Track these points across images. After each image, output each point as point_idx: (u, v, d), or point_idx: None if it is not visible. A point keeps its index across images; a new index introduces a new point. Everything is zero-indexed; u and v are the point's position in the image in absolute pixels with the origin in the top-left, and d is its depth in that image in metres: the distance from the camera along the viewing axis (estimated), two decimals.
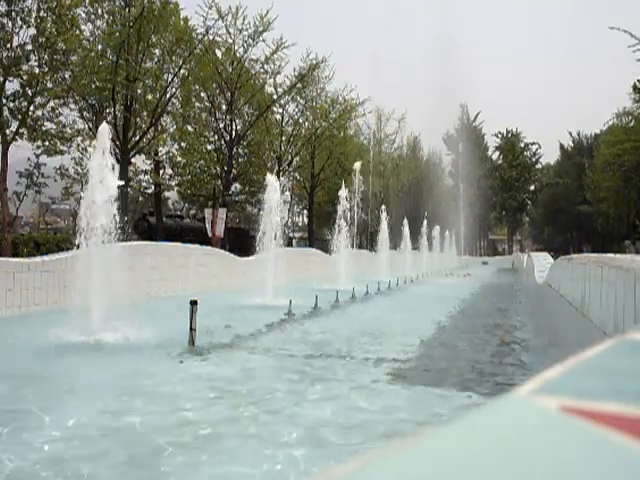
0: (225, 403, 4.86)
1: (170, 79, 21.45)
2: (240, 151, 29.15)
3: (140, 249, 13.38)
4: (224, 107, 26.92)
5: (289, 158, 30.84)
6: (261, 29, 25.69)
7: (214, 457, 3.65)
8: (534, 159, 67.33)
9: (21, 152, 19.95)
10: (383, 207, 28.56)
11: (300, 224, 42.66)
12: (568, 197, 54.04)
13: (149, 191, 28.91)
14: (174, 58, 21.62)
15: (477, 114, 68.99)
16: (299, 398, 5.01)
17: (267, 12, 25.46)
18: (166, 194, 34.04)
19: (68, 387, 5.28)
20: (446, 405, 4.96)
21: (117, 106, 19.67)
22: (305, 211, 36.89)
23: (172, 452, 3.66)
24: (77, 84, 18.92)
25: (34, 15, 16.75)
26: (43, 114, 18.60)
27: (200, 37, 22.58)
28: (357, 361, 6.81)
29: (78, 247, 8.27)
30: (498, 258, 59.37)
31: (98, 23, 20.61)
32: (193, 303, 7.49)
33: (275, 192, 13.89)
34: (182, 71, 21.76)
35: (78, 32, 18.68)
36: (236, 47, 26.07)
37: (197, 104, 26.63)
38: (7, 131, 16.65)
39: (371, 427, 4.25)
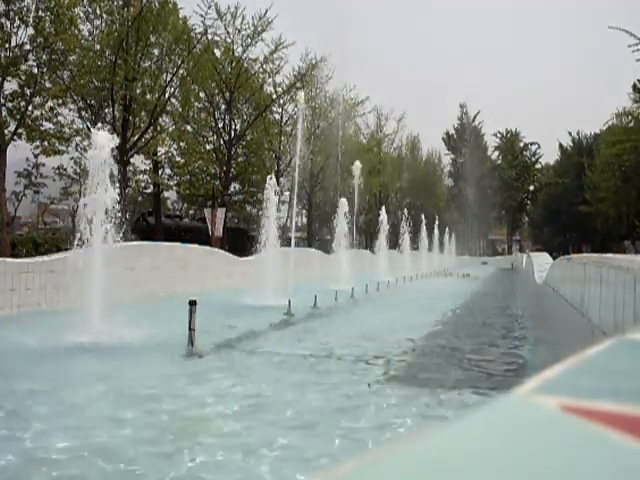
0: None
1: (169, 79, 21.42)
2: (239, 151, 29.11)
3: (140, 249, 13.37)
4: (223, 107, 26.89)
5: (288, 158, 30.83)
6: (260, 29, 25.69)
7: None
8: (534, 159, 67.36)
9: (20, 152, 19.92)
10: (382, 207, 28.56)
11: (300, 224, 42.65)
12: (568, 197, 53.96)
13: (148, 191, 28.86)
14: (173, 58, 21.58)
15: (476, 114, 69.06)
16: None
17: (266, 12, 25.49)
18: (165, 194, 33.98)
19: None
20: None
21: (116, 106, 19.65)
22: (304, 211, 36.80)
23: None
24: (75, 84, 18.89)
25: (32, 15, 16.69)
26: (42, 114, 18.55)
27: (199, 37, 22.56)
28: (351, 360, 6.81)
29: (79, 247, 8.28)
30: (497, 258, 59.39)
31: (97, 23, 20.58)
32: (192, 303, 7.48)
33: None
34: (181, 71, 21.73)
35: (76, 32, 18.61)
36: (235, 47, 26.07)
37: (196, 104, 26.59)
38: (5, 131, 16.60)
39: None
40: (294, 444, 3.84)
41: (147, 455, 3.63)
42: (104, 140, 8.43)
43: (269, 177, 14.65)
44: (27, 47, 16.98)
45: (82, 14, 19.91)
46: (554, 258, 14.62)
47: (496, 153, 68.78)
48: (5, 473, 3.36)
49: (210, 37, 23.70)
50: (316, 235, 30.47)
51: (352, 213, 22.99)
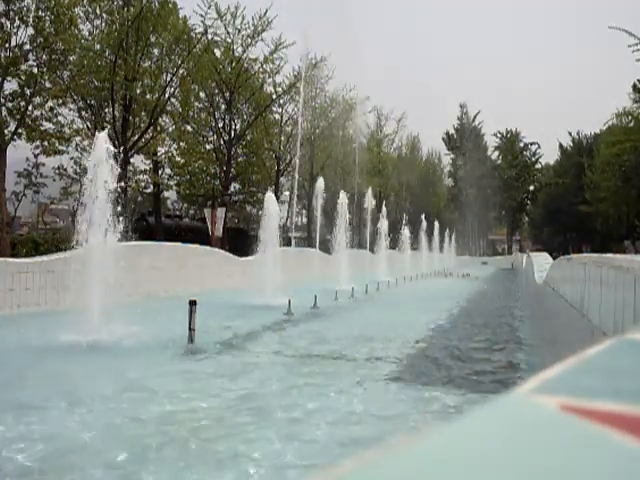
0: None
1: (169, 79, 21.41)
2: (239, 151, 29.10)
3: (140, 249, 13.37)
4: (223, 107, 26.88)
5: (288, 158, 30.85)
6: (260, 29, 25.68)
7: None
8: (534, 159, 67.42)
9: (20, 152, 19.92)
10: (383, 207, 28.56)
11: (300, 224, 42.70)
12: (568, 197, 53.94)
13: (148, 191, 28.85)
14: (173, 58, 21.56)
15: (477, 114, 69.09)
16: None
17: (266, 12, 25.48)
18: (165, 194, 33.97)
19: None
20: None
21: (116, 106, 19.64)
22: (304, 211, 36.80)
23: None
24: (76, 84, 18.87)
25: (32, 15, 16.67)
26: (42, 114, 18.53)
27: (199, 37, 22.55)
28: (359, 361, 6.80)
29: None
30: (498, 258, 59.43)
31: (97, 23, 20.57)
32: (192, 303, 7.49)
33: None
34: (181, 71, 21.72)
35: (76, 32, 18.61)
36: (235, 47, 26.06)
37: (196, 104, 26.58)
38: (5, 131, 16.59)
39: None
40: (291, 446, 3.84)
41: (138, 447, 3.63)
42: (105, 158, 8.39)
43: (268, 194, 14.58)
44: (27, 47, 16.96)
45: (82, 14, 19.88)
46: (554, 258, 14.60)
47: (496, 153, 68.87)
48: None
49: (210, 37, 23.70)
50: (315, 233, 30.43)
51: (352, 212, 22.92)
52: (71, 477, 3.30)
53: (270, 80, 28.21)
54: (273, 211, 14.00)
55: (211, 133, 27.96)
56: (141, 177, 26.44)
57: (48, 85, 18.17)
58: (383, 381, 5.78)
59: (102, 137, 8.57)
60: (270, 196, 14.31)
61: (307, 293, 12.20)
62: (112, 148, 8.46)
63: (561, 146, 61.55)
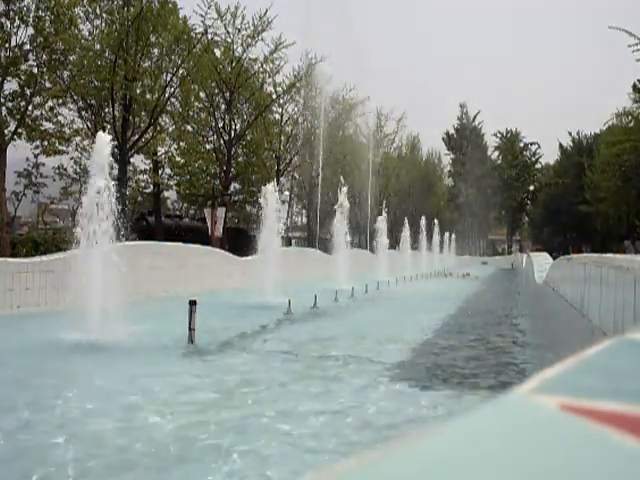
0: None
1: (169, 79, 21.41)
2: (239, 151, 29.09)
3: (140, 249, 13.36)
4: (223, 107, 26.87)
5: (288, 158, 30.83)
6: (260, 29, 25.68)
7: None
8: (534, 159, 67.44)
9: (20, 152, 19.91)
10: (383, 207, 28.56)
11: (300, 224, 42.69)
12: (568, 197, 53.93)
13: (148, 191, 28.84)
14: (173, 58, 21.56)
15: (476, 114, 69.08)
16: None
17: (266, 12, 25.48)
18: (165, 194, 33.95)
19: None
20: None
21: (116, 106, 19.63)
22: (304, 211, 36.80)
23: None
24: (76, 84, 18.87)
25: (32, 15, 16.67)
26: (41, 114, 18.53)
27: (199, 37, 22.54)
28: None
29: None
30: (497, 258, 59.47)
31: (97, 23, 20.57)
32: (192, 303, 7.50)
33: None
34: (181, 70, 21.71)
35: (76, 32, 18.61)
36: (235, 47, 26.06)
37: (196, 104, 26.57)
38: (5, 131, 16.58)
39: None
40: (288, 449, 3.84)
41: (132, 441, 3.63)
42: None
43: (270, 185, 14.34)
44: (27, 47, 16.96)
45: (82, 14, 19.88)
46: (554, 258, 14.60)
47: (496, 153, 68.88)
48: None
49: (210, 37, 23.67)
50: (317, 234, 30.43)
51: (353, 212, 22.79)
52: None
53: (270, 80, 28.23)
54: (272, 206, 13.93)
55: (211, 133, 27.94)
56: (141, 177, 26.46)
57: (48, 85, 18.16)
58: (384, 381, 5.77)
59: (103, 140, 8.54)
60: (270, 189, 14.12)
61: (307, 293, 12.19)
62: (112, 159, 8.46)
63: (561, 146, 61.55)
